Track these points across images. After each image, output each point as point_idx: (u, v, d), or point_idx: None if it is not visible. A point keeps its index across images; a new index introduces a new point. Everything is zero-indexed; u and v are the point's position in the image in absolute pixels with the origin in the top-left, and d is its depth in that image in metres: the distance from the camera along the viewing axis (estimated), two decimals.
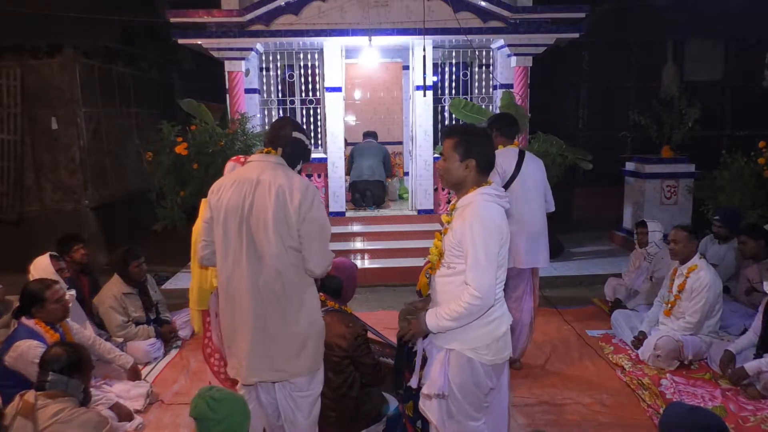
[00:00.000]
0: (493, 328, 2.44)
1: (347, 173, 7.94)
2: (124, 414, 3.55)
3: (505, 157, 4.00)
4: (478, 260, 2.32)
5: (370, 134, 8.60)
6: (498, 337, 2.45)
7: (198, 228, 3.37)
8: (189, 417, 3.68)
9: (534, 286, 4.28)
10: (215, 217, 2.52)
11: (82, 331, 3.99)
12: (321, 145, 7.98)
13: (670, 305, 4.45)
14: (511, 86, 7.32)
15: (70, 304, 3.85)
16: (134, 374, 4.09)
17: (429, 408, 2.56)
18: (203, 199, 3.44)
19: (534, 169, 4.10)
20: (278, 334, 2.49)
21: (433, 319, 2.44)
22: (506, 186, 3.95)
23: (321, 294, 3.05)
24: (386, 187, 8.37)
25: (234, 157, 3.47)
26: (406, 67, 8.51)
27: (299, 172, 2.66)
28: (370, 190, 7.99)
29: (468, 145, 2.45)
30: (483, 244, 2.32)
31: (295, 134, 2.60)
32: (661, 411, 3.56)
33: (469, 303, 2.32)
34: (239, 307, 2.50)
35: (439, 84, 8.01)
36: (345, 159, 7.69)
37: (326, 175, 7.53)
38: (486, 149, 2.48)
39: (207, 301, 3.43)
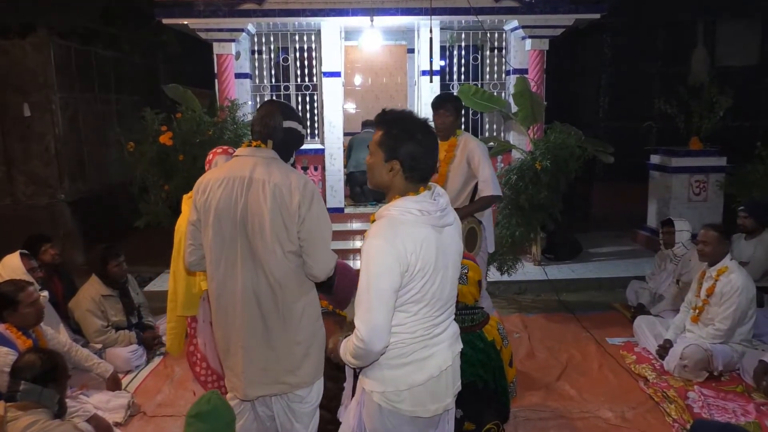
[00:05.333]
0: (409, 372, 2.13)
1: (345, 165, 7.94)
2: (102, 427, 3.56)
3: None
4: (360, 296, 2.04)
5: (369, 123, 8.61)
6: (416, 384, 2.12)
7: (182, 226, 3.36)
8: (176, 428, 3.71)
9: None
10: (203, 219, 2.48)
11: (57, 336, 3.99)
12: (318, 135, 7.98)
13: (697, 311, 4.44)
14: (525, 71, 7.29)
15: (44, 307, 3.85)
16: (114, 384, 4.09)
17: None
18: (185, 196, 3.44)
19: None
20: (280, 345, 2.49)
21: (343, 348, 2.18)
22: None
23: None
24: None
25: (220, 149, 3.44)
26: (411, 51, 8.49)
27: (293, 164, 2.64)
28: (364, 178, 7.98)
29: (395, 141, 2.13)
30: (370, 276, 2.02)
31: (287, 123, 2.53)
32: (687, 426, 3.56)
33: (355, 346, 2.05)
34: (234, 317, 2.48)
35: (447, 69, 7.98)
36: (343, 150, 7.69)
37: (323, 168, 7.53)
38: (417, 149, 2.11)
39: (197, 306, 3.42)
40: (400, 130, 2.14)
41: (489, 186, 4.18)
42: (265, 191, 2.38)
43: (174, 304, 3.48)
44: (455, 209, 2.36)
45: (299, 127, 2.60)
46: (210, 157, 3.39)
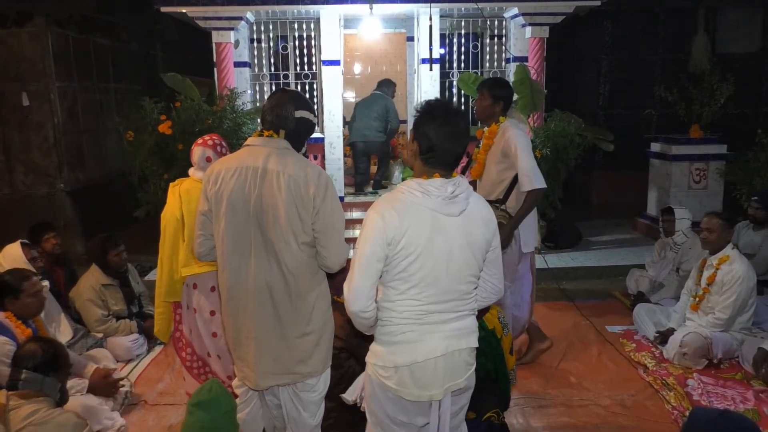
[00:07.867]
0: (395, 351, 2.20)
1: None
2: (101, 387, 3.60)
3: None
4: (352, 260, 2.20)
5: (383, 83, 8.10)
6: (400, 365, 2.18)
7: (167, 215, 3.41)
8: (177, 416, 3.73)
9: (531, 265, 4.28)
10: (214, 210, 2.48)
11: (55, 332, 3.99)
12: (317, 123, 7.93)
13: (698, 299, 4.44)
14: (525, 59, 7.25)
15: (46, 298, 3.86)
16: (104, 385, 3.76)
17: None
18: (171, 184, 3.46)
19: None
20: (292, 335, 2.50)
21: None
22: None
23: None
24: (386, 149, 8.21)
25: (200, 140, 3.44)
26: (411, 39, 8.44)
27: (304, 153, 2.63)
28: (366, 148, 7.91)
29: (419, 123, 2.20)
30: (359, 242, 2.17)
31: (299, 113, 2.52)
32: (686, 414, 3.57)
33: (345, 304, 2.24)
34: (245, 308, 2.49)
35: (447, 57, 7.94)
36: (344, 138, 7.67)
37: (323, 157, 7.50)
38: (434, 132, 2.15)
39: (179, 293, 3.47)
40: (425, 113, 2.21)
41: (530, 179, 3.71)
42: (280, 182, 2.38)
43: (161, 290, 3.53)
44: (490, 201, 2.38)
45: (311, 116, 2.59)
46: (192, 147, 3.43)
